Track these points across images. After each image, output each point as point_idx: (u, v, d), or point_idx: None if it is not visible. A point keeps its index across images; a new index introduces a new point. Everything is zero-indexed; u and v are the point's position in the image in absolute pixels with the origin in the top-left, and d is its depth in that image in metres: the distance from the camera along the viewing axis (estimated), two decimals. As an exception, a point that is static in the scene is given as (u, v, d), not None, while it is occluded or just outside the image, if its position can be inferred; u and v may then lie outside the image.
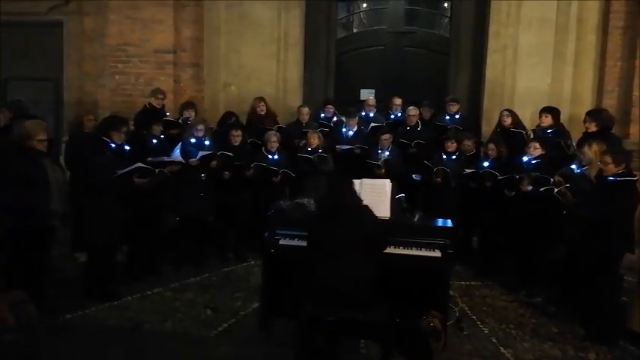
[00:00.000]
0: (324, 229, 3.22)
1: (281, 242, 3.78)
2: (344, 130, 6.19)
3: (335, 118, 6.55)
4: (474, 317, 4.37)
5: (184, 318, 4.20)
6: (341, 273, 3.08)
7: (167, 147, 5.26)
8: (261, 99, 6.35)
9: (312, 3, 7.21)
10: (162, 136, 5.26)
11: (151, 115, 5.59)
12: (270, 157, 5.68)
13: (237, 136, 5.57)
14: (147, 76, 6.80)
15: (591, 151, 4.30)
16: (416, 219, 4.01)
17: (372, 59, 7.41)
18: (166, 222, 5.43)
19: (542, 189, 4.56)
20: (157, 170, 4.66)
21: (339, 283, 3.07)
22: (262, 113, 6.30)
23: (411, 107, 6.32)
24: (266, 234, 3.87)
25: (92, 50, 7.19)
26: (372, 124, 6.25)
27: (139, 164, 4.48)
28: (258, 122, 6.22)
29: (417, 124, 6.26)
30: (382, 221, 3.62)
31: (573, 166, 4.57)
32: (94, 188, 4.31)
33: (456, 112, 6.39)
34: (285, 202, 4.26)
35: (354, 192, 3.43)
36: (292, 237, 3.80)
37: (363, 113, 6.58)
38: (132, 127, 5.39)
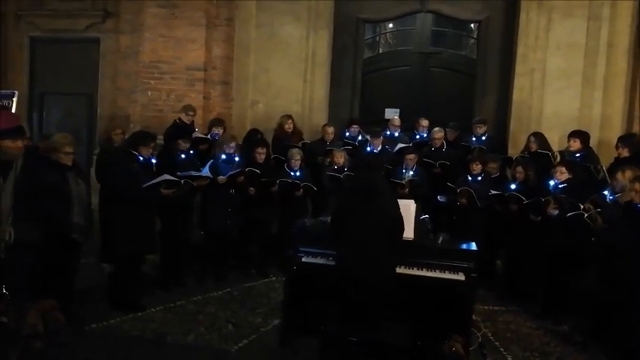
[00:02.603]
0: (352, 206, 3.31)
1: (304, 260, 3.82)
2: (368, 149, 6.21)
3: (360, 137, 6.57)
4: (497, 343, 4.27)
5: (206, 332, 4.23)
6: (365, 253, 3.19)
7: (196, 162, 5.37)
8: (289, 117, 6.45)
9: (340, 24, 7.32)
10: (190, 152, 5.38)
11: (180, 130, 5.71)
12: (292, 173, 5.74)
13: (262, 154, 5.66)
14: (178, 92, 6.97)
15: (625, 177, 4.19)
16: (440, 241, 3.99)
17: (397, 79, 7.44)
18: (192, 235, 5.52)
19: (570, 214, 4.46)
20: (182, 181, 4.77)
21: (363, 263, 3.17)
22: (289, 130, 6.40)
23: (436, 129, 6.30)
24: (289, 251, 3.89)
25: (126, 67, 7.42)
26: (400, 145, 6.24)
27: (166, 176, 4.61)
28: (284, 139, 6.31)
29: (442, 146, 6.24)
30: (406, 242, 3.63)
31: (605, 192, 4.46)
32: (123, 199, 4.43)
33: (483, 134, 6.34)
34: (308, 220, 4.33)
35: (384, 178, 3.56)
36: (315, 255, 3.83)
37: (388, 132, 6.59)
38: (160, 142, 5.51)
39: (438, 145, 6.22)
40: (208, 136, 5.96)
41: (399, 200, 3.74)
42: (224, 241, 5.48)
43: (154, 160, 4.77)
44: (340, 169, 5.80)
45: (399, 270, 3.55)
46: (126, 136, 5.68)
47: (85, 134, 7.83)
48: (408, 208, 3.83)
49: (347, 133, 6.62)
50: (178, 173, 4.86)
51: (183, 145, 5.28)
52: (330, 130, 6.42)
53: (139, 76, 7.07)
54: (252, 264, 5.77)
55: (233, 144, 5.49)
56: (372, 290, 3.22)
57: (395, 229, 3.33)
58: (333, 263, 3.57)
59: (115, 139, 5.57)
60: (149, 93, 7.00)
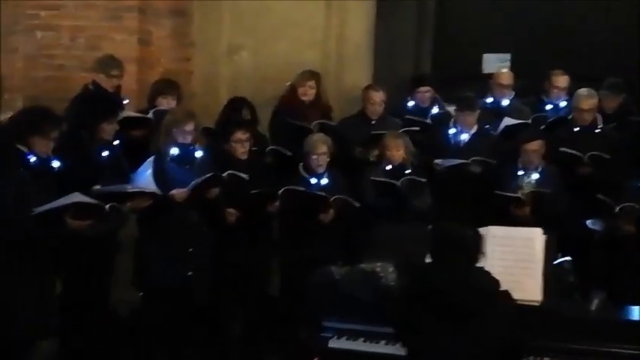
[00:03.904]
0: (421, 331, 3.34)
1: (331, 345, 3.92)
2: (451, 131, 6.22)
3: (435, 109, 6.58)
4: None
5: None
6: None
7: (124, 163, 5.38)
8: (313, 75, 6.53)
9: None
10: (116, 142, 5.37)
11: (97, 103, 5.72)
12: (312, 180, 5.75)
13: (243, 142, 5.67)
14: (91, 32, 7.00)
15: None
16: (594, 306, 4.00)
17: (503, 0, 7.49)
18: (120, 300, 5.60)
19: None
20: (107, 206, 4.73)
21: None
22: (308, 100, 6.47)
23: (583, 91, 6.22)
24: (303, 327, 4.06)
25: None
26: (506, 122, 6.25)
27: (77, 196, 4.58)
28: (294, 115, 6.34)
29: (593, 123, 6.18)
30: (529, 308, 3.72)
31: None
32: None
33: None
34: (339, 269, 4.32)
35: (482, 271, 3.48)
36: (353, 334, 3.93)
37: (490, 99, 6.61)
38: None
39: (588, 123, 6.16)
40: (149, 115, 5.98)
41: (511, 229, 3.76)
42: (181, 309, 5.47)
43: (56, 163, 4.76)
44: (398, 171, 5.79)
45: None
46: (1, 117, 5.74)
47: None
48: (529, 243, 3.89)
49: (410, 102, 6.64)
50: (97, 188, 4.86)
51: (109, 130, 5.28)
52: (378, 96, 6.44)
53: (19, 4, 7.10)
54: (233, 349, 5.79)
55: (190, 126, 5.47)
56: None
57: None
58: (385, 351, 3.68)
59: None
60: (38, 34, 7.06)
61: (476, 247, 3.50)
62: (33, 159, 4.61)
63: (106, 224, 4.86)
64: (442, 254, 3.48)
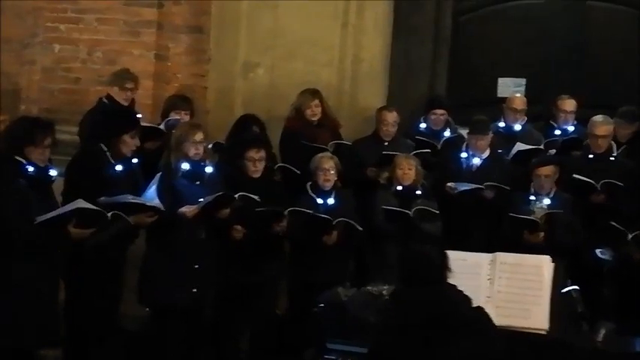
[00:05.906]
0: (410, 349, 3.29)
1: None
2: (463, 155, 6.20)
3: (447, 132, 6.57)
4: None
5: None
6: None
7: (139, 178, 5.35)
8: (316, 94, 6.51)
9: None
10: (133, 161, 5.30)
11: (111, 117, 5.71)
12: (320, 200, 5.73)
13: (255, 160, 5.64)
14: (108, 46, 7.04)
15: None
16: (601, 337, 3.98)
17: (519, 25, 7.46)
18: (126, 316, 5.59)
19: None
20: (109, 214, 4.71)
21: None
22: (315, 119, 6.45)
23: (598, 118, 6.20)
24: (309, 349, 4.09)
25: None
26: (519, 147, 6.24)
27: (80, 202, 4.56)
28: (303, 135, 6.34)
29: (608, 150, 6.15)
30: (534, 336, 3.70)
31: None
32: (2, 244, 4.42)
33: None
34: (346, 290, 4.30)
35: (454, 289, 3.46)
36: (357, 358, 3.88)
37: (502, 124, 6.61)
38: (67, 136, 5.57)
39: (602, 150, 6.14)
40: (161, 126, 5.98)
41: (520, 257, 3.76)
42: (188, 328, 5.44)
43: (53, 172, 4.77)
44: (408, 192, 5.79)
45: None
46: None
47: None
48: (538, 270, 3.87)
49: (422, 125, 6.65)
50: (103, 199, 4.83)
51: (129, 143, 5.22)
52: (391, 117, 6.45)
53: (39, 18, 7.16)
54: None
55: (199, 135, 5.42)
56: None
57: None
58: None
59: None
60: (56, 48, 7.10)
61: (442, 265, 3.50)
62: (31, 169, 4.60)
63: (108, 233, 4.84)
64: (411, 277, 3.49)
